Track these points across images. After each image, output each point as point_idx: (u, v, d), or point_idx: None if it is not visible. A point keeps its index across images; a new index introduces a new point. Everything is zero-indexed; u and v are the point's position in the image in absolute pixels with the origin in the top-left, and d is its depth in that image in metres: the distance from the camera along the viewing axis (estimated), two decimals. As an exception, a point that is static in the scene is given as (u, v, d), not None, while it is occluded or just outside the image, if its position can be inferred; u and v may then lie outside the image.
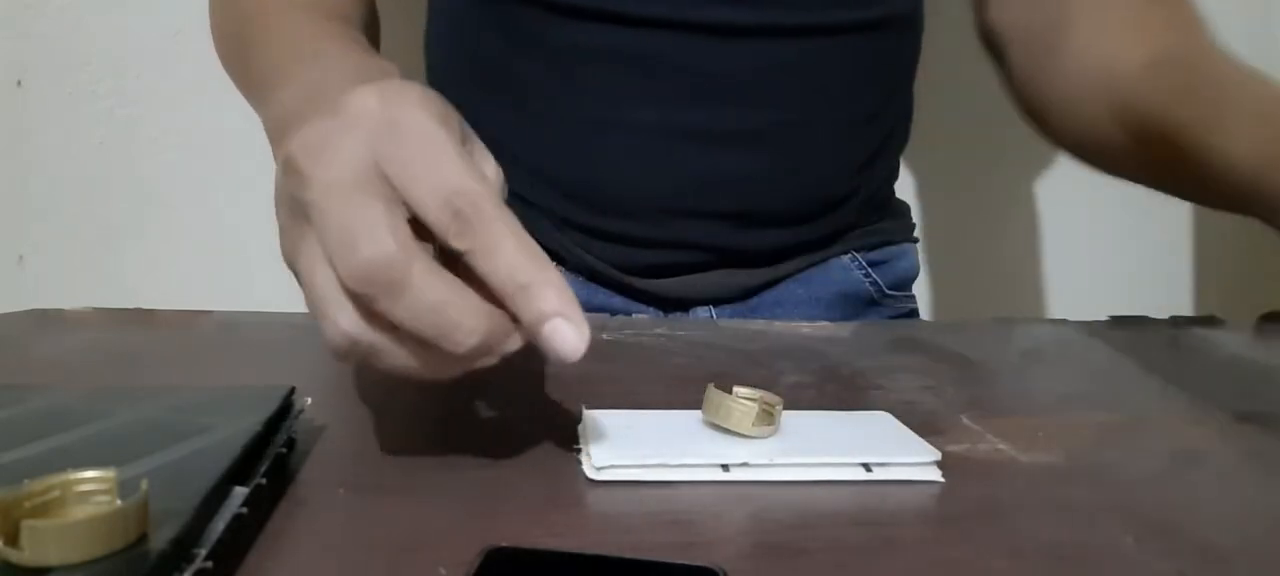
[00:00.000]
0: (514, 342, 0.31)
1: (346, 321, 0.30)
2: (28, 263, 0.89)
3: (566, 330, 0.30)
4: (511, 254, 0.30)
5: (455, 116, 0.33)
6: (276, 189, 0.33)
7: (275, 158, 0.37)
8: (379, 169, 0.30)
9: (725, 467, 0.35)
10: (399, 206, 0.30)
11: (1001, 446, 0.40)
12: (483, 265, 0.30)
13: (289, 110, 0.38)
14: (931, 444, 0.37)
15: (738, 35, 0.58)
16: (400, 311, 0.29)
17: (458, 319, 0.29)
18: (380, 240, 0.28)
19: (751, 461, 0.35)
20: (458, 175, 0.30)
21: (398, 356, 0.31)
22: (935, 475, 0.36)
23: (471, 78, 0.63)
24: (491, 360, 0.31)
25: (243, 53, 0.52)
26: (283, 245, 0.34)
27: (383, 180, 0.30)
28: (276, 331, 0.56)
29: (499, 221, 0.30)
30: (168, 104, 0.87)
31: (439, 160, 0.30)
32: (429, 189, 0.30)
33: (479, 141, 0.34)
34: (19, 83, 0.85)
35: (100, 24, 0.85)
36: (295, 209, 0.32)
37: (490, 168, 0.34)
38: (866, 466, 0.36)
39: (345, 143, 0.30)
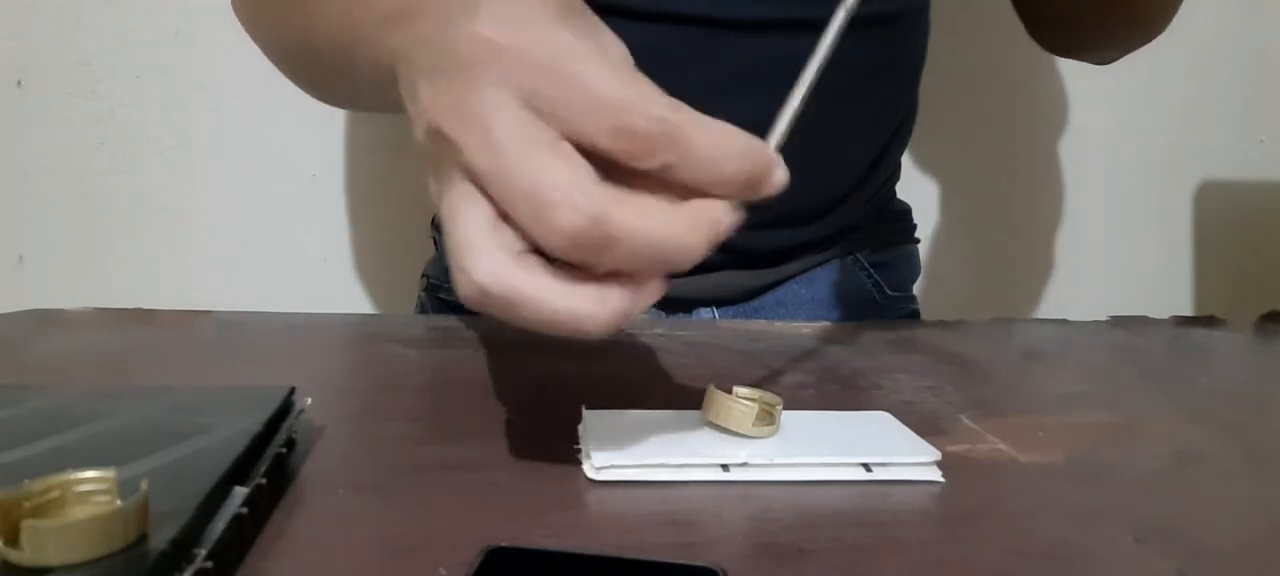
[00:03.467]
0: (728, 225, 0.29)
1: (485, 272, 0.28)
2: (28, 263, 0.89)
3: (779, 176, 0.30)
4: (709, 148, 0.28)
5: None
6: (420, 140, 0.31)
7: (408, 102, 0.34)
8: (530, 107, 0.28)
9: (725, 467, 0.35)
10: (569, 148, 0.28)
11: (1001, 446, 0.40)
12: (685, 177, 0.28)
13: (408, 51, 0.33)
14: (931, 444, 0.37)
15: (747, 30, 0.58)
16: (616, 262, 0.28)
17: (678, 241, 0.28)
18: (575, 206, 0.27)
19: (752, 461, 0.35)
20: (612, 93, 0.28)
21: (542, 305, 0.28)
22: (935, 475, 0.36)
23: None
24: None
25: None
26: (432, 193, 0.32)
27: (539, 120, 0.28)
28: (276, 331, 0.56)
29: (678, 125, 0.28)
30: (168, 104, 0.87)
31: (585, 84, 0.28)
32: (592, 122, 0.28)
33: (591, 14, 0.31)
34: (19, 83, 0.85)
35: (100, 24, 0.85)
36: (441, 166, 0.30)
37: (616, 49, 0.31)
38: (867, 466, 0.36)
39: (484, 98, 0.28)
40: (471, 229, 0.28)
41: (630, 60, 0.31)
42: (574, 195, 0.27)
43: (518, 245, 0.28)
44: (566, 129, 0.28)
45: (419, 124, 0.31)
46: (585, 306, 0.28)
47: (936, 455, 0.36)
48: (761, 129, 0.64)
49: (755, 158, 0.29)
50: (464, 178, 0.29)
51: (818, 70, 0.34)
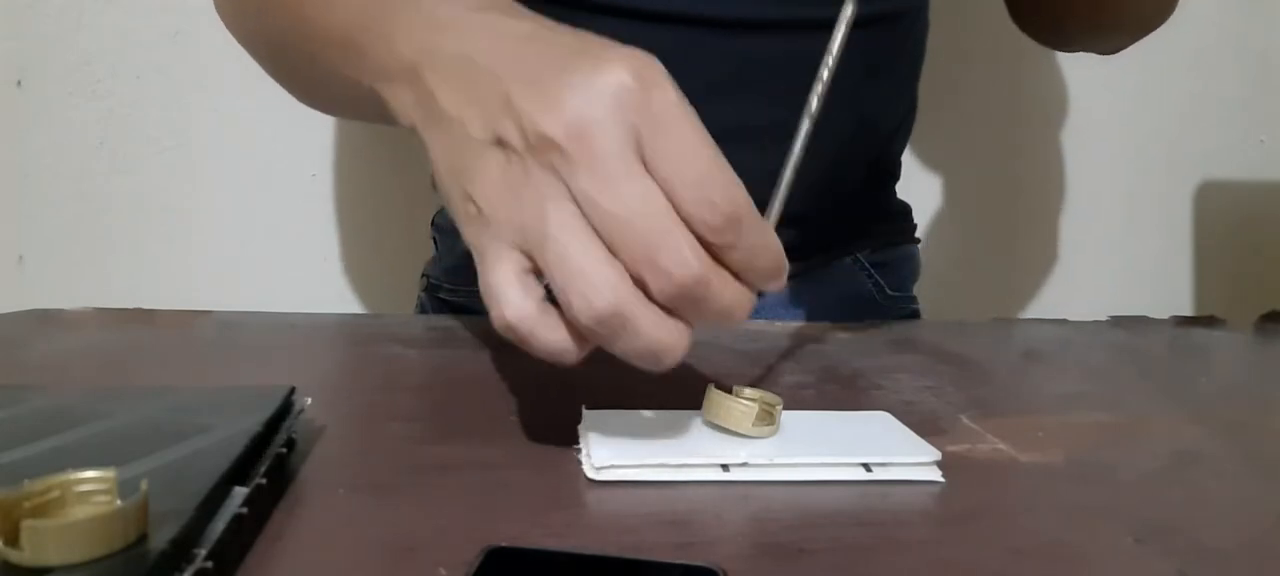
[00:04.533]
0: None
1: (610, 290, 0.30)
2: (28, 263, 0.89)
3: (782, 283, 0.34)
4: (757, 244, 0.31)
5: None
6: (449, 151, 0.34)
7: (386, 91, 0.37)
8: (641, 152, 0.30)
9: (725, 467, 0.35)
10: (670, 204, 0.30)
11: (1001, 446, 0.40)
12: (731, 259, 0.31)
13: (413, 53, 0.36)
14: (931, 444, 0.37)
15: (745, 30, 0.58)
16: (700, 315, 0.31)
17: (745, 310, 0.32)
18: (687, 261, 0.30)
19: (751, 461, 0.35)
20: (711, 168, 0.30)
21: (645, 333, 0.31)
22: (935, 475, 0.36)
23: None
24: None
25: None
26: (452, 193, 0.34)
27: (646, 169, 0.30)
28: (276, 331, 0.56)
29: (748, 216, 0.31)
30: (168, 104, 0.87)
31: (697, 154, 0.30)
32: (692, 188, 0.30)
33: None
34: (19, 83, 0.85)
35: (100, 24, 0.85)
36: (541, 172, 0.31)
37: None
38: (867, 466, 0.36)
39: (610, 129, 0.30)
40: (594, 252, 0.30)
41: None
42: (686, 251, 0.30)
43: (628, 276, 0.30)
44: (667, 188, 0.30)
45: (502, 115, 0.32)
46: (671, 338, 0.31)
47: (936, 455, 0.36)
48: (759, 129, 0.64)
49: (780, 263, 0.33)
50: (566, 195, 0.30)
51: (805, 139, 0.37)
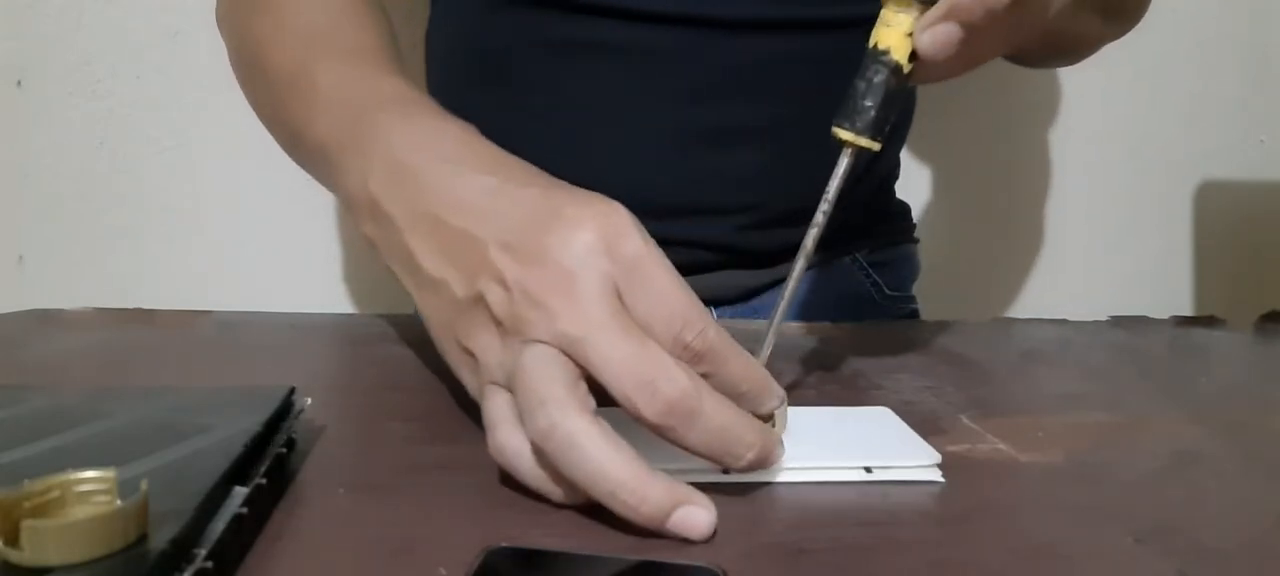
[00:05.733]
0: (775, 452, 0.34)
1: (570, 424, 0.31)
2: (28, 263, 0.89)
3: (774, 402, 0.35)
4: (737, 372, 0.33)
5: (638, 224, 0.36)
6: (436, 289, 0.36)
7: (358, 220, 0.40)
8: (620, 298, 0.33)
9: (725, 470, 0.35)
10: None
11: (1001, 446, 0.40)
12: (718, 387, 0.33)
13: (368, 188, 0.39)
14: (932, 444, 0.37)
15: (744, 30, 0.58)
16: (693, 437, 0.32)
17: (740, 434, 0.32)
18: (676, 378, 0.31)
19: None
20: (682, 306, 0.33)
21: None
22: (936, 476, 0.36)
23: (474, 72, 0.63)
24: (752, 464, 0.33)
25: (289, 95, 0.48)
26: (446, 346, 0.37)
27: (618, 302, 0.33)
28: (276, 331, 0.56)
29: (720, 347, 0.33)
30: (168, 104, 0.87)
31: (667, 293, 0.33)
32: (663, 324, 0.32)
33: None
34: (19, 83, 0.85)
35: (100, 24, 0.85)
36: (513, 327, 0.33)
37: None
38: (868, 469, 0.36)
39: (587, 279, 0.32)
40: (557, 384, 0.31)
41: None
42: (675, 370, 0.31)
43: (592, 404, 0.32)
44: (637, 320, 0.32)
45: (479, 272, 0.34)
46: (638, 476, 0.31)
47: (937, 457, 0.36)
48: (759, 128, 0.64)
49: (763, 385, 0.34)
50: (549, 339, 0.32)
51: (798, 278, 0.38)
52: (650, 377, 0.31)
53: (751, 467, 0.33)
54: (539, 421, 0.31)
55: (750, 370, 0.34)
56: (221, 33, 0.60)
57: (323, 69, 0.46)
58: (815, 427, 0.39)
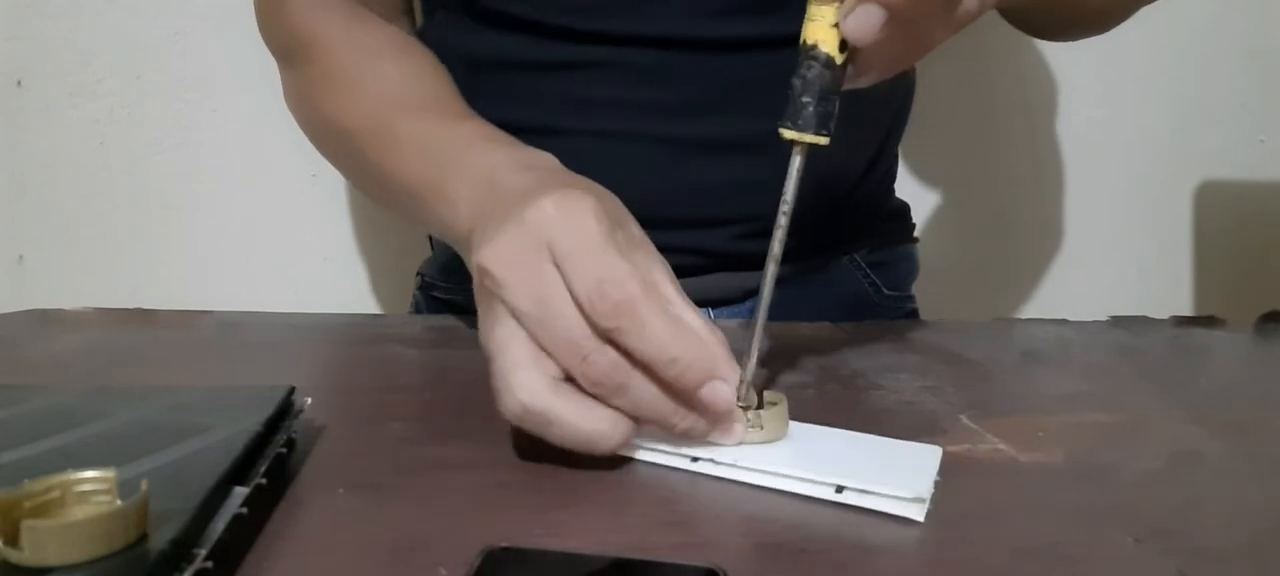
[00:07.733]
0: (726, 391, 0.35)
1: (526, 390, 0.34)
2: (28, 263, 0.89)
3: (720, 389, 0.35)
4: (657, 333, 0.34)
5: (623, 214, 0.39)
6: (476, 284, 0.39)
7: (464, 251, 0.43)
8: (553, 261, 0.35)
9: (694, 459, 0.36)
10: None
11: (1001, 446, 0.40)
12: (630, 343, 0.34)
13: (470, 217, 0.42)
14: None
15: (742, 49, 0.59)
16: (630, 401, 0.34)
17: (667, 403, 0.35)
18: (604, 354, 0.34)
19: (719, 459, 0.35)
20: (607, 265, 0.34)
21: (568, 425, 0.34)
22: (916, 514, 0.33)
23: (471, 88, 0.63)
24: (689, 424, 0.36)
25: (368, 156, 0.53)
26: (481, 329, 0.38)
27: (556, 269, 0.35)
28: (276, 331, 0.56)
29: (642, 304, 0.34)
30: (168, 104, 0.87)
31: (591, 251, 0.35)
32: (584, 276, 0.34)
33: (641, 236, 0.39)
34: (19, 83, 0.85)
35: (100, 24, 0.85)
36: (490, 302, 0.36)
37: (642, 257, 0.37)
38: (838, 488, 0.34)
39: (527, 249, 0.35)
40: (519, 358, 0.35)
41: (665, 266, 0.38)
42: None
43: (555, 372, 0.35)
44: (569, 284, 0.34)
45: (471, 261, 0.38)
46: (600, 427, 0.34)
47: (925, 500, 0.33)
48: (743, 141, 0.64)
49: (701, 353, 0.35)
50: (509, 314, 0.35)
51: (772, 282, 0.39)
52: (584, 351, 0.34)
53: (681, 425, 0.35)
54: (507, 406, 0.35)
55: (681, 331, 0.35)
56: (295, 117, 0.63)
57: (403, 123, 0.50)
58: (813, 443, 0.38)
